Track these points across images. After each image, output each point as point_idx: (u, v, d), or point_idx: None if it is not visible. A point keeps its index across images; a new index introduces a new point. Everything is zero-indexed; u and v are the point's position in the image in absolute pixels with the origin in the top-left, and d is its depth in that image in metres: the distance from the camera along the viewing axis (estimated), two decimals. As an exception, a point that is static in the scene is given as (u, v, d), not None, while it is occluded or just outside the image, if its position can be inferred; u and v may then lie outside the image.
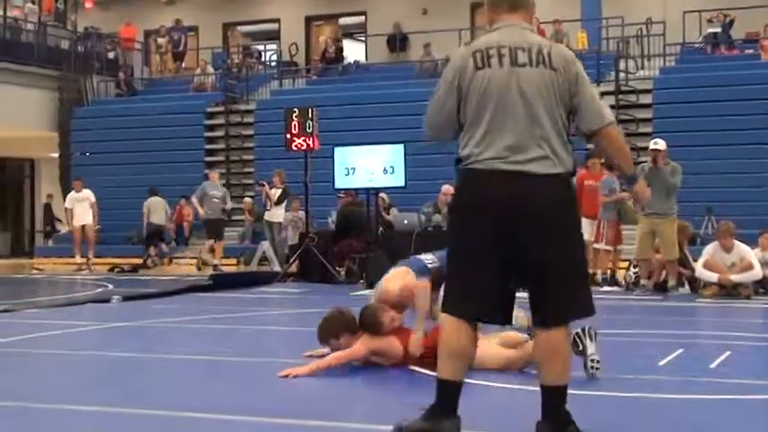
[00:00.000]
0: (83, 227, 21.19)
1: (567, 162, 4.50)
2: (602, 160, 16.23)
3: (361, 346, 6.80)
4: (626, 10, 25.36)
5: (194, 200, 20.13)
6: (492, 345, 6.81)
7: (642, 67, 23.95)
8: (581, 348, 6.38)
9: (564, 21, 25.73)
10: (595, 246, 14.63)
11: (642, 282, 13.86)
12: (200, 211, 19.85)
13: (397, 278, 7.35)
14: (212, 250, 20.35)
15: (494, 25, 4.65)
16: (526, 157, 4.41)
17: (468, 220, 4.48)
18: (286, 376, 6.51)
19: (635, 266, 14.25)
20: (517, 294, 4.76)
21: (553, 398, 4.62)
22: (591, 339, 6.41)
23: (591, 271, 14.16)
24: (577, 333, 6.37)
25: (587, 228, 15.06)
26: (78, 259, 21.06)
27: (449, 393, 4.57)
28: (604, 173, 15.06)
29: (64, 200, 26.43)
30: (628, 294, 13.77)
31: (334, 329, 6.94)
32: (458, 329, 4.55)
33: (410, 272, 7.34)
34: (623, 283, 14.49)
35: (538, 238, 4.41)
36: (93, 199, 21.34)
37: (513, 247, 4.41)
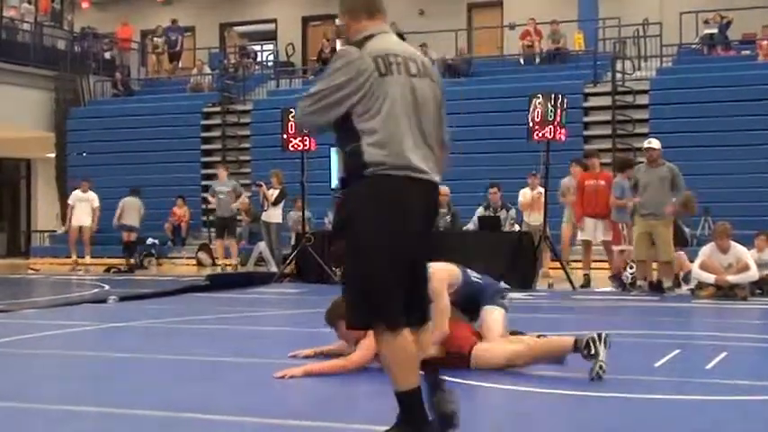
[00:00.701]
0: (80, 228, 21.19)
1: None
2: (601, 160, 16.31)
3: (359, 356, 6.69)
4: (623, 11, 25.40)
5: (209, 198, 20.21)
6: (497, 344, 6.81)
7: (639, 68, 23.98)
8: (593, 352, 6.34)
9: (561, 21, 25.77)
10: (616, 247, 14.62)
11: (639, 282, 13.87)
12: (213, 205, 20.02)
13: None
14: (206, 250, 20.36)
15: (363, 32, 4.59)
16: (428, 165, 4.51)
17: (387, 226, 4.40)
18: (282, 377, 6.51)
19: (631, 267, 14.25)
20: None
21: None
22: (606, 346, 6.36)
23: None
24: (592, 337, 6.34)
25: (590, 227, 15.08)
26: (74, 258, 21.06)
27: (421, 400, 4.52)
28: (606, 173, 15.06)
29: (59, 200, 26.52)
30: (625, 295, 13.78)
31: (333, 313, 6.82)
32: (407, 337, 4.46)
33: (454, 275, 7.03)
34: (618, 282, 14.49)
35: (431, 241, 4.57)
36: (96, 203, 21.35)
37: (419, 250, 4.50)
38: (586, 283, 15.00)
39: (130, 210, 21.56)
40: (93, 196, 21.41)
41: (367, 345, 6.68)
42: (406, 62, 4.54)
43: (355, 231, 4.46)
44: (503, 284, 7.54)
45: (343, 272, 4.70)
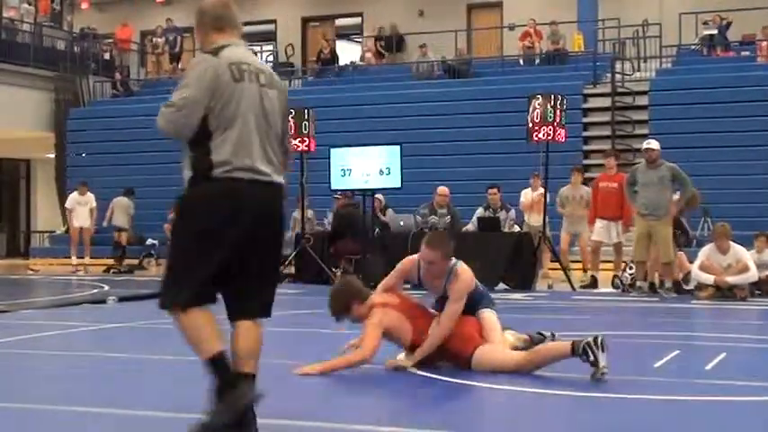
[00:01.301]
0: (80, 228, 21.20)
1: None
2: (619, 161, 16.30)
3: (370, 339, 6.71)
4: (622, 12, 25.41)
5: None
6: (500, 348, 6.84)
7: (638, 69, 23.99)
8: (592, 359, 6.33)
9: (560, 22, 25.77)
10: None
11: (638, 283, 13.87)
12: None
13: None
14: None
15: (214, 44, 4.86)
16: (271, 168, 4.79)
17: (203, 223, 4.65)
18: (303, 374, 6.54)
19: (631, 268, 14.25)
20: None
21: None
22: (602, 350, 6.34)
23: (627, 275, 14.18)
24: (587, 342, 6.35)
25: (603, 230, 15.07)
26: (74, 260, 21.06)
27: (225, 360, 4.82)
28: (620, 175, 15.06)
29: (59, 200, 26.52)
30: (624, 296, 13.78)
31: (345, 304, 6.92)
32: (197, 314, 4.73)
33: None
34: (619, 285, 14.49)
35: (272, 241, 4.83)
36: (93, 204, 21.35)
37: (247, 247, 4.71)
38: (593, 283, 14.99)
39: (120, 210, 21.58)
40: (90, 197, 21.41)
41: (369, 335, 6.71)
42: (257, 72, 4.81)
43: (177, 225, 4.81)
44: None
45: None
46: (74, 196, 21.51)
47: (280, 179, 4.86)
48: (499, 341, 6.89)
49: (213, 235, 4.63)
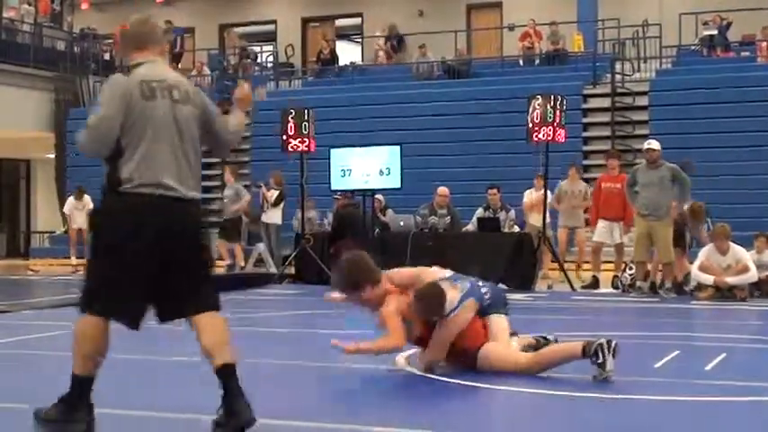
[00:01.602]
0: (80, 229, 21.21)
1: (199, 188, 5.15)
2: (620, 162, 16.31)
3: (397, 326, 6.58)
4: (622, 12, 25.41)
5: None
6: (505, 346, 6.80)
7: (638, 70, 23.99)
8: (601, 362, 6.34)
9: (560, 22, 25.78)
10: None
11: (638, 284, 13.87)
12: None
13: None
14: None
15: (133, 61, 5.13)
16: (184, 183, 4.97)
17: (110, 237, 4.89)
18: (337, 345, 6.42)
19: (631, 268, 14.25)
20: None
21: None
22: (613, 355, 6.36)
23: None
24: (600, 344, 6.35)
25: (605, 230, 15.08)
26: (74, 260, 21.07)
27: (87, 390, 5.09)
28: (623, 176, 15.06)
29: (59, 201, 26.54)
30: (624, 296, 13.78)
31: (357, 281, 6.70)
32: (95, 328, 5.05)
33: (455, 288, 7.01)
34: (619, 285, 14.49)
35: (181, 254, 4.96)
36: (91, 206, 21.33)
37: (166, 261, 4.91)
38: (594, 283, 15.00)
39: None
40: (87, 201, 21.41)
41: (393, 323, 6.60)
42: (170, 88, 4.97)
43: (91, 239, 5.11)
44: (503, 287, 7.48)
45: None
46: (71, 201, 21.55)
47: (192, 194, 5.01)
48: (506, 345, 6.86)
49: (117, 249, 4.84)
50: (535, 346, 7.05)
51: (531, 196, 17.12)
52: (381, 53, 28.53)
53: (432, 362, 6.80)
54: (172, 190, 4.90)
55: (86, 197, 21.37)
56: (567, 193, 16.19)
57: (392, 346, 6.64)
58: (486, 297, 7.02)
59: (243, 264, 19.39)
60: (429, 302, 6.68)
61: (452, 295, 6.77)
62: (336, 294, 6.93)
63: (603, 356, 6.34)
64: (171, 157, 4.92)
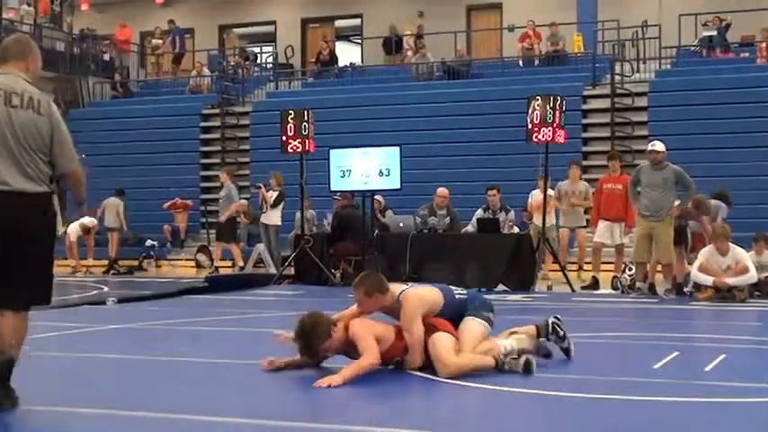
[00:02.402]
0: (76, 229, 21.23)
1: (47, 184, 5.80)
2: (622, 163, 16.33)
3: (369, 342, 6.63)
4: (622, 13, 25.43)
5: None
6: (452, 344, 6.78)
7: (638, 70, 24.00)
8: (561, 334, 6.98)
9: (560, 24, 25.80)
10: None
11: (638, 284, 13.86)
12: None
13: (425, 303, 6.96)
14: (205, 251, 20.35)
15: None
16: (15, 179, 5.61)
17: None
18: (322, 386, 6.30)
19: (630, 269, 14.24)
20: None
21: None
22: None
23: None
24: (554, 321, 7.10)
25: (606, 231, 15.08)
26: (72, 261, 21.10)
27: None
28: (625, 177, 15.06)
29: (59, 202, 26.47)
30: (623, 297, 13.77)
31: (320, 338, 6.75)
32: None
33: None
34: (619, 286, 14.48)
35: (9, 242, 5.58)
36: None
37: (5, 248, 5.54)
38: (594, 284, 14.99)
39: (109, 211, 21.42)
40: None
41: (365, 339, 6.67)
42: (10, 95, 5.65)
43: None
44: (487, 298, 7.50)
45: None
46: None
47: (26, 187, 5.64)
48: (468, 349, 6.79)
49: None
50: (536, 332, 7.18)
51: (537, 197, 17.06)
52: (410, 53, 27.94)
53: (419, 356, 6.77)
54: (4, 184, 5.57)
55: None
56: (567, 193, 16.20)
57: (369, 363, 6.59)
58: (459, 294, 7.10)
59: (242, 264, 19.40)
60: (371, 279, 6.99)
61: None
62: (282, 333, 7.02)
63: (562, 329, 7.13)
64: (6, 155, 5.59)
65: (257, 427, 5.28)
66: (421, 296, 6.88)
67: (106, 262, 21.37)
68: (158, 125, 25.65)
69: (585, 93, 23.29)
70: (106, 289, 15.48)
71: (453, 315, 6.98)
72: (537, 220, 16.79)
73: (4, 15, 28.54)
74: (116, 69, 29.73)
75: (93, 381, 6.93)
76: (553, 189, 16.10)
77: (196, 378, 6.98)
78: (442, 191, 16.44)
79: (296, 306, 12.74)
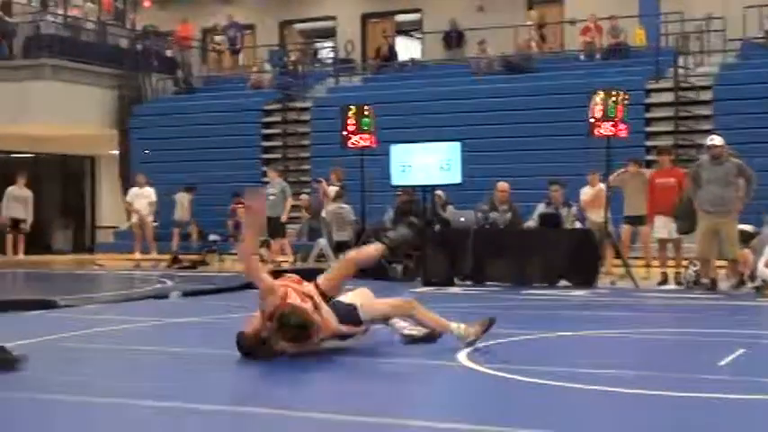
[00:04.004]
0: (141, 223, 21.59)
1: None
2: (672, 157, 16.12)
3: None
4: (685, 5, 25.10)
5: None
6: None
7: (702, 64, 23.70)
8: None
9: (622, 17, 25.54)
10: None
11: (702, 280, 13.69)
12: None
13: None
14: (267, 246, 20.51)
15: None
16: None
17: None
18: None
19: (694, 265, 14.08)
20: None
21: None
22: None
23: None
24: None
25: (663, 226, 14.92)
26: (137, 255, 21.42)
27: None
28: (677, 171, 14.88)
29: (123, 196, 26.92)
30: (688, 293, 13.62)
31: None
32: None
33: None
34: (683, 282, 14.33)
35: None
36: (153, 198, 21.76)
37: None
38: (664, 280, 14.83)
39: (177, 205, 21.95)
40: (149, 191, 21.79)
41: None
42: None
43: None
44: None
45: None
46: (133, 189, 21.96)
47: None
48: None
49: None
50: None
51: (587, 194, 16.91)
52: (533, 44, 27.40)
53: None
54: None
55: (148, 187, 21.77)
56: (627, 182, 15.96)
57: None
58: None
59: (291, 260, 19.62)
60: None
61: None
62: None
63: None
64: None
65: (290, 417, 5.31)
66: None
67: (169, 256, 21.62)
68: (220, 121, 25.86)
69: (648, 86, 23.04)
70: (169, 283, 15.64)
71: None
72: (591, 215, 16.63)
73: (69, 13, 28.96)
74: (178, 65, 30.02)
75: (155, 374, 7.00)
76: (607, 184, 15.84)
77: (257, 372, 7.04)
78: (502, 185, 16.38)
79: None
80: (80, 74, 26.69)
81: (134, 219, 21.87)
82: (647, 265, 15.83)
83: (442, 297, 13.21)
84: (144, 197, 21.92)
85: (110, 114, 27.61)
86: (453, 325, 7.69)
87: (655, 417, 5.49)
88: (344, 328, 7.46)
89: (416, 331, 7.86)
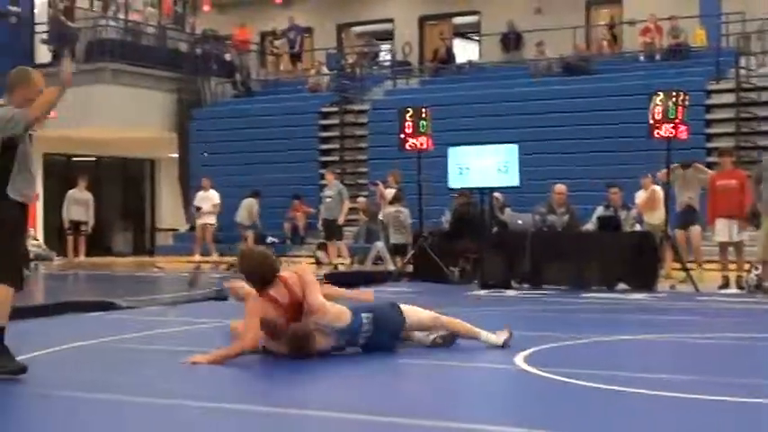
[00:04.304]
0: (205, 225, 21.92)
1: None
2: (734, 158, 15.90)
3: (249, 329, 7.37)
4: (747, 5, 24.73)
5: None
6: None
7: (763, 64, 23.36)
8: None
9: (681, 17, 25.27)
10: None
11: (765, 284, 13.50)
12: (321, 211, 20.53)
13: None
14: (324, 248, 20.65)
15: None
16: None
17: None
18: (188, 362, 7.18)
19: (756, 269, 13.89)
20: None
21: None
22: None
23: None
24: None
25: (724, 228, 14.72)
26: (197, 257, 21.64)
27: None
28: (739, 172, 14.69)
29: (182, 199, 27.26)
30: (750, 297, 13.43)
31: (254, 274, 7.72)
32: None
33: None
34: (745, 286, 14.14)
35: None
36: (215, 200, 22.04)
37: None
38: (725, 284, 14.63)
39: (243, 209, 22.18)
40: (213, 194, 22.05)
41: (249, 327, 7.38)
42: None
43: None
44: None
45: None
46: (200, 193, 22.35)
47: None
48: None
49: None
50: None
51: (642, 197, 16.71)
52: (605, 43, 27.20)
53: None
54: None
55: (212, 191, 22.10)
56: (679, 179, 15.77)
57: (237, 351, 7.36)
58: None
59: (337, 262, 19.70)
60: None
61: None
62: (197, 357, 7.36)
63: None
64: None
65: (363, 422, 5.32)
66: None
67: (229, 258, 21.79)
68: (278, 124, 26.01)
69: (709, 87, 22.76)
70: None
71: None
72: (647, 217, 16.45)
73: (130, 18, 29.32)
74: (236, 69, 30.25)
75: (217, 376, 7.05)
76: (665, 187, 15.65)
77: (310, 374, 7.06)
78: (559, 188, 16.28)
79: (415, 303, 12.77)
80: (140, 78, 27.01)
81: (200, 221, 22.23)
82: (699, 266, 15.58)
83: (499, 300, 13.16)
84: (208, 200, 22.22)
85: (169, 118, 27.90)
86: (483, 333, 7.88)
87: (714, 422, 5.42)
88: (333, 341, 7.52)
89: (438, 336, 7.99)
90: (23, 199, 6.80)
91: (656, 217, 15.70)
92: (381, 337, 7.59)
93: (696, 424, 5.40)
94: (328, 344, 7.44)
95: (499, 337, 7.78)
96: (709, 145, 21.88)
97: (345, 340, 7.53)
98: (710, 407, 5.75)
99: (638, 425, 5.42)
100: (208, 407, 5.76)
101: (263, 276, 7.65)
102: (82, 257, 22.18)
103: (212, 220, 22.27)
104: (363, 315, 7.55)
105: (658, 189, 15.89)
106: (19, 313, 6.87)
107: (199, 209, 22.63)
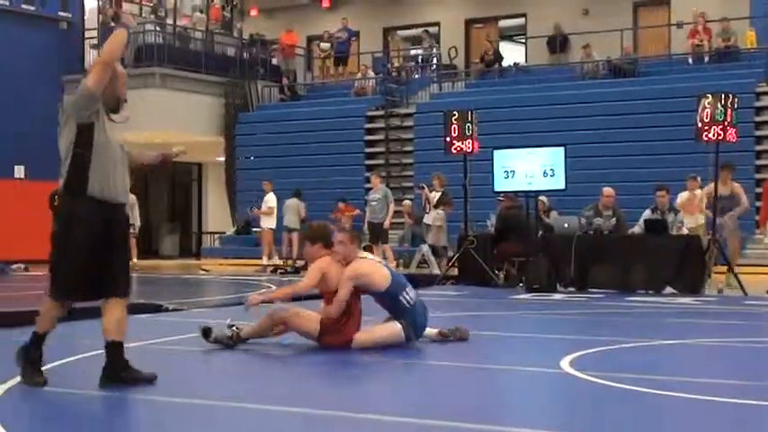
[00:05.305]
0: (261, 230, 22.22)
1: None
2: None
3: (307, 280, 8.17)
4: (798, 6, 24.49)
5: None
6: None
7: (814, 66, 23.08)
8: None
9: (731, 18, 25.01)
10: None
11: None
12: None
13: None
14: (370, 251, 20.65)
15: None
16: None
17: None
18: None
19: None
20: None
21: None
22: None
23: None
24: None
25: None
26: (265, 260, 21.93)
27: (40, 341, 6.35)
28: None
29: (229, 203, 27.45)
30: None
31: (314, 236, 8.35)
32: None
33: None
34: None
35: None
36: (270, 204, 22.21)
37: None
38: None
39: (288, 211, 22.23)
40: (268, 197, 22.25)
41: (309, 275, 8.22)
42: None
43: None
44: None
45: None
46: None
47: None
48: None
49: None
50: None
51: (682, 198, 16.51)
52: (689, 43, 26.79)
53: (336, 311, 7.97)
54: None
55: (270, 194, 22.31)
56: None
57: (299, 289, 8.34)
58: (408, 298, 8.17)
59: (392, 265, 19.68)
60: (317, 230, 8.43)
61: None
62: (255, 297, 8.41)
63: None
64: None
65: (408, 426, 5.32)
66: (356, 269, 8.02)
67: (281, 262, 22.01)
68: (324, 127, 26.11)
69: (759, 90, 22.52)
70: (274, 288, 15.80)
71: (389, 307, 8.21)
72: (687, 221, 16.20)
73: (179, 22, 29.57)
74: (283, 73, 30.40)
75: (267, 378, 7.07)
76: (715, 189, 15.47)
77: (354, 376, 7.06)
78: (608, 190, 16.16)
79: (459, 307, 12.75)
80: (188, 82, 27.25)
81: (265, 225, 22.52)
82: (730, 269, 15.34)
83: (545, 303, 13.10)
84: (264, 203, 22.38)
85: (217, 121, 28.11)
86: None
87: (761, 428, 5.36)
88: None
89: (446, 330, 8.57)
90: (106, 197, 6.11)
91: (694, 219, 15.52)
92: None
93: (746, 430, 5.34)
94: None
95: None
96: (759, 148, 21.66)
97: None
98: (761, 412, 5.69)
99: (685, 431, 5.37)
100: (262, 409, 5.79)
101: (325, 238, 8.28)
102: (134, 260, 22.41)
103: (269, 223, 22.36)
104: None
105: (699, 193, 15.71)
106: (70, 314, 6.76)
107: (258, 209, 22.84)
